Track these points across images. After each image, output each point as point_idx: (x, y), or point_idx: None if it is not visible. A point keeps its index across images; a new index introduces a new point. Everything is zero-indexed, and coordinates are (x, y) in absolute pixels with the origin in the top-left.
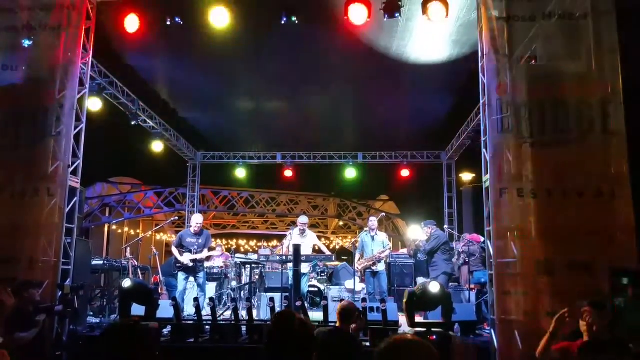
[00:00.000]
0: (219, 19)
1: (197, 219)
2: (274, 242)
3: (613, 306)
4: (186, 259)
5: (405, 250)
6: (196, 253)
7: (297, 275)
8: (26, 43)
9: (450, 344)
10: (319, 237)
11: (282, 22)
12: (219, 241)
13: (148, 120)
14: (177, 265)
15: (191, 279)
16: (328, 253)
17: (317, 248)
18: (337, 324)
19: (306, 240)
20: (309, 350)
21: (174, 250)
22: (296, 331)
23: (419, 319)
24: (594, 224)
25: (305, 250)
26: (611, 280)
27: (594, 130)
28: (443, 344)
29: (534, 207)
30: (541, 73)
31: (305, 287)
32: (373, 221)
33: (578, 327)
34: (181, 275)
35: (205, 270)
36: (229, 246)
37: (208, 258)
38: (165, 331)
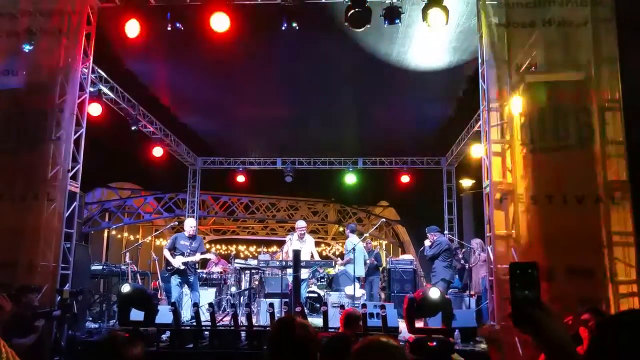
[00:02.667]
0: (220, 24)
1: (191, 223)
2: (274, 248)
3: (515, 298)
4: (178, 261)
5: (405, 256)
6: (188, 256)
7: (297, 281)
8: (26, 48)
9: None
10: (319, 244)
11: (283, 28)
12: (218, 246)
13: (148, 126)
14: (169, 268)
15: (185, 286)
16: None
17: (311, 255)
18: (341, 330)
19: (305, 245)
20: (313, 354)
21: (166, 253)
22: (298, 336)
23: (419, 324)
24: (593, 230)
25: (305, 256)
26: (516, 276)
27: (593, 137)
28: (443, 350)
29: (533, 213)
30: (541, 80)
31: (304, 292)
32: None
33: (577, 333)
34: (174, 281)
35: (198, 274)
36: (229, 252)
37: (204, 265)
38: (164, 337)
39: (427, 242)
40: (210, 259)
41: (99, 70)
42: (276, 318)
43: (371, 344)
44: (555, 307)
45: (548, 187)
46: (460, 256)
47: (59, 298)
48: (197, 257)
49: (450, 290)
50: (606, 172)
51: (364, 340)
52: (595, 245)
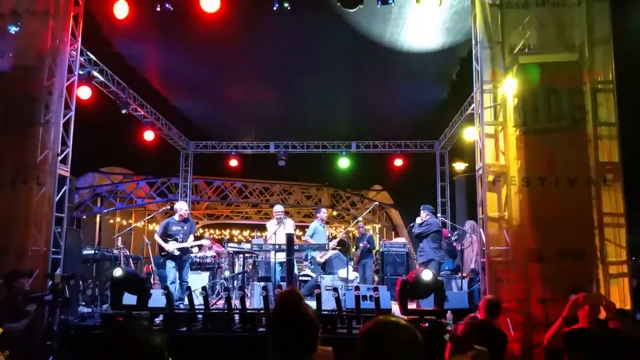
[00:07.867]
0: (210, 4)
1: (183, 206)
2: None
3: None
4: (172, 247)
5: (398, 239)
6: (182, 241)
7: (291, 265)
8: (12, 29)
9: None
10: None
11: (274, 9)
12: (211, 231)
13: (139, 109)
14: (163, 254)
15: None
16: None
17: None
18: (480, 317)
19: (285, 229)
20: (313, 335)
21: (158, 239)
22: (302, 313)
23: (412, 306)
24: (584, 212)
25: (282, 239)
26: None
27: (586, 119)
28: (436, 331)
29: (525, 195)
30: (534, 61)
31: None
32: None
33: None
34: (170, 264)
35: (191, 259)
36: (222, 236)
37: (200, 247)
38: (158, 320)
39: (418, 220)
40: (204, 245)
41: (88, 53)
42: (270, 301)
43: (384, 324)
44: (546, 288)
45: (540, 169)
46: (454, 238)
47: (50, 282)
48: (190, 242)
49: (443, 272)
50: (598, 154)
51: (374, 319)
52: (586, 226)
